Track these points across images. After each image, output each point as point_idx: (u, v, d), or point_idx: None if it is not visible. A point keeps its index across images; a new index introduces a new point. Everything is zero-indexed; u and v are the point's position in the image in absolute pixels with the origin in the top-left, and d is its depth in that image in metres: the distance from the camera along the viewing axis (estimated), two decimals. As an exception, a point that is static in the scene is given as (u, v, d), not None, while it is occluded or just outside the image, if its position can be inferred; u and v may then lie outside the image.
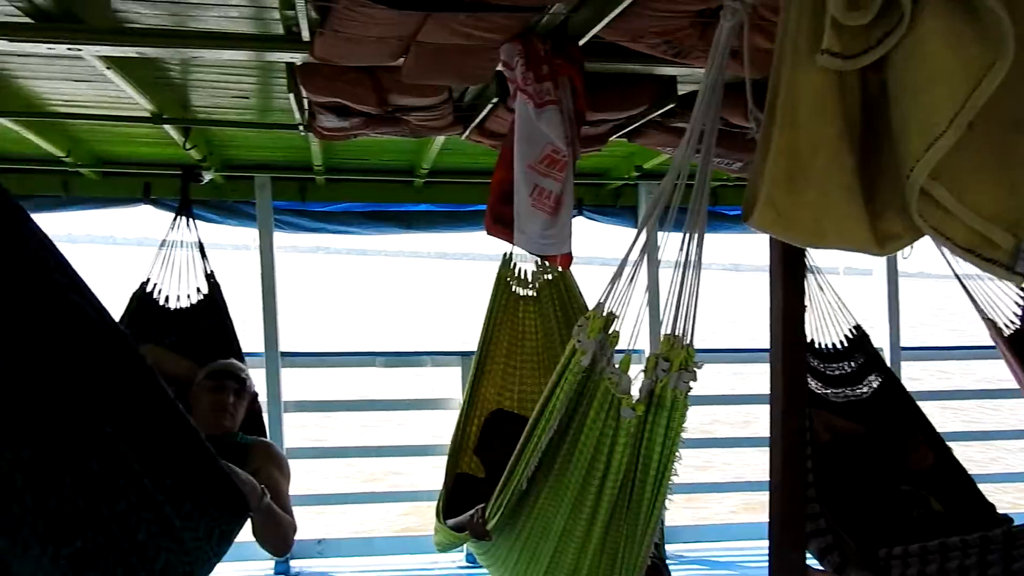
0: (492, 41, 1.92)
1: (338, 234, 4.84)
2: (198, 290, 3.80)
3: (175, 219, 3.88)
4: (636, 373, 1.83)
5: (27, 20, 1.81)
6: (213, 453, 2.17)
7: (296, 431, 5.03)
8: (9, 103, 2.97)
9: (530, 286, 3.72)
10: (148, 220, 4.51)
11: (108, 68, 2.30)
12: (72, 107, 3.09)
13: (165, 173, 4.19)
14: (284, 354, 4.54)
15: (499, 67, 2.03)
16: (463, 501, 3.09)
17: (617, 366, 1.81)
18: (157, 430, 1.96)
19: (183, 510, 2.06)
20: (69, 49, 1.87)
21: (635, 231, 1.73)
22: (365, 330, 22.16)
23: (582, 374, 1.84)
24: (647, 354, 1.78)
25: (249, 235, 4.54)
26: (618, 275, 1.78)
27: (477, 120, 2.76)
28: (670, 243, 1.77)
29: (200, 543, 2.15)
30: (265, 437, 3.50)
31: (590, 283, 3.63)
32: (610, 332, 1.82)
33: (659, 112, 2.68)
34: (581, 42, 2.03)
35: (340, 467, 7.79)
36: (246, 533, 2.46)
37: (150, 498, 1.94)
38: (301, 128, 2.98)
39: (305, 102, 2.64)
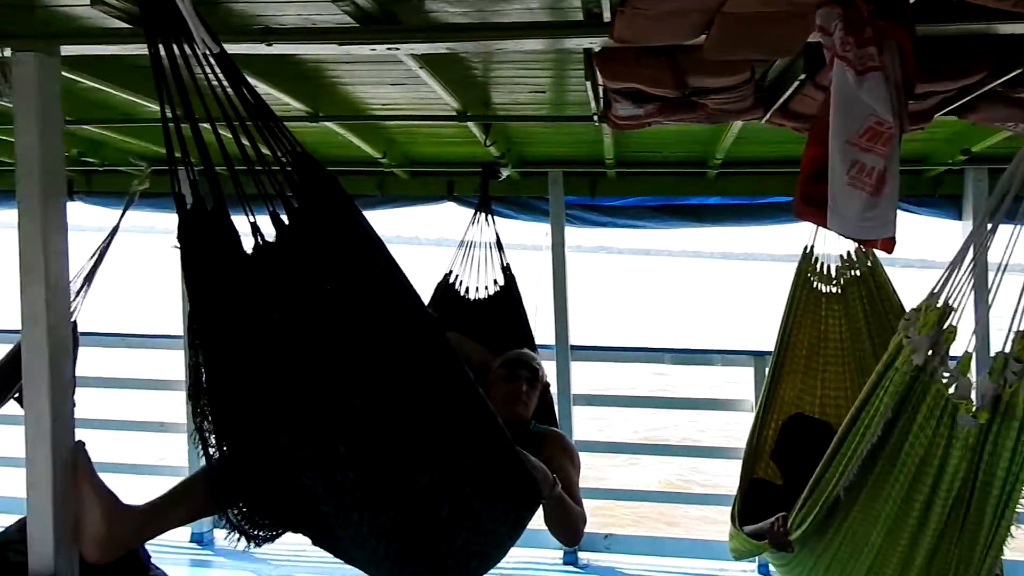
0: (806, 7, 1.76)
1: (627, 228, 4.80)
2: (495, 282, 3.97)
3: (475, 214, 4.08)
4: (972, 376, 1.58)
5: (353, 24, 1.96)
6: (510, 438, 2.20)
7: (582, 424, 5.08)
8: (336, 108, 3.28)
9: (834, 282, 3.43)
10: (448, 220, 4.79)
11: (421, 68, 2.44)
12: (389, 110, 3.35)
13: (466, 171, 4.42)
14: (574, 347, 4.61)
15: (813, 36, 1.85)
16: (759, 507, 2.93)
17: (954, 366, 1.57)
18: (460, 411, 2.02)
19: (482, 491, 2.10)
20: (388, 49, 2.00)
21: (960, 224, 1.50)
22: (650, 328, 22.15)
23: (910, 374, 1.62)
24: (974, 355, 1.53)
25: (538, 233, 4.67)
26: (957, 263, 1.55)
27: (781, 100, 2.57)
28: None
29: (496, 525, 2.19)
30: (556, 427, 3.55)
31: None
32: (945, 327, 1.59)
33: (1000, 81, 2.32)
34: None
35: (622, 464, 7.79)
36: (538, 520, 2.49)
37: (452, 476, 2.01)
38: (596, 118, 2.97)
39: (600, 90, 2.62)
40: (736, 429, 3.77)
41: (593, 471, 5.85)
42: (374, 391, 1.83)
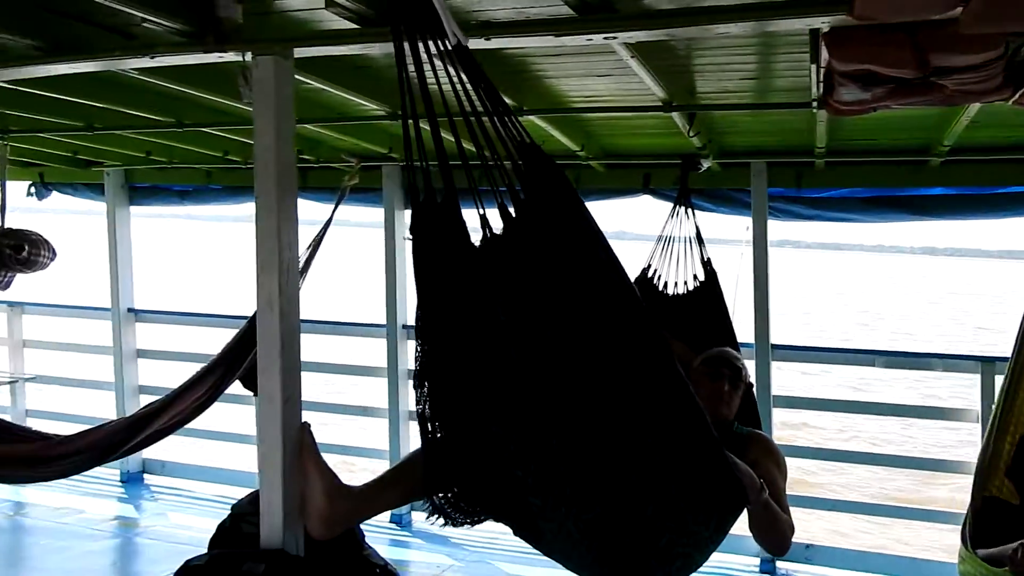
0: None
1: (835, 222, 4.53)
2: (695, 277, 3.85)
3: (674, 207, 3.98)
4: None
5: (572, 14, 1.94)
6: (718, 439, 2.12)
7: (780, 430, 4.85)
8: (539, 102, 3.29)
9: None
10: (648, 215, 4.71)
11: (632, 57, 2.38)
12: (591, 102, 3.32)
13: (663, 163, 4.33)
14: (775, 347, 4.40)
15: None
16: (994, 529, 2.65)
17: None
18: (671, 409, 1.96)
19: (688, 492, 2.04)
20: (605, 39, 1.96)
21: None
22: (846, 329, 20.92)
23: None
24: None
25: (737, 228, 4.49)
26: None
27: (1038, 78, 2.30)
28: None
29: (700, 528, 2.12)
30: (759, 429, 3.40)
31: None
32: None
33: None
34: None
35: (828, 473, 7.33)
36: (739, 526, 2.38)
37: (660, 475, 1.95)
38: (814, 104, 2.80)
39: (822, 73, 2.46)
40: (944, 439, 3.45)
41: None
42: (590, 386, 1.80)
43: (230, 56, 2.26)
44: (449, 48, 1.36)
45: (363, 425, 6.63)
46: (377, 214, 5.18)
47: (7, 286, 4.68)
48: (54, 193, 5.75)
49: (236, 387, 3.93)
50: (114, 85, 3.19)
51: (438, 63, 1.46)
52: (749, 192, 4.33)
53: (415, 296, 1.59)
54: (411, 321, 5.31)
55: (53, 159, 5.23)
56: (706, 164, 4.03)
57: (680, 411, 1.99)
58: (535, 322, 1.60)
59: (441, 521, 2.11)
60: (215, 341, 4.01)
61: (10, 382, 6.18)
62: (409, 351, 5.33)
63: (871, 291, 36.95)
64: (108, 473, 5.73)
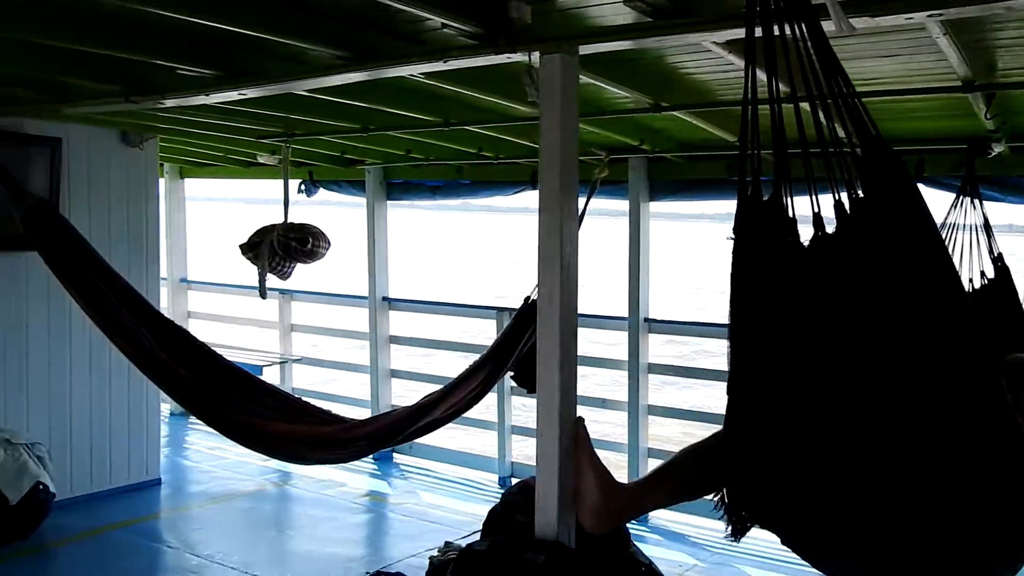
0: None
1: None
2: (982, 274, 3.48)
3: (958, 197, 3.62)
4: None
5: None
6: None
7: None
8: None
9: None
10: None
11: (944, 34, 2.17)
12: (874, 85, 3.08)
13: (938, 148, 3.95)
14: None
15: None
16: None
17: None
18: (989, 429, 1.76)
19: (993, 525, 1.81)
20: (929, 16, 1.79)
21: None
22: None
23: None
24: None
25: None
26: None
27: None
28: None
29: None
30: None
31: None
32: None
33: None
34: None
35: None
36: None
37: (965, 504, 1.75)
38: None
39: None
40: None
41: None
42: (907, 397, 1.65)
43: (518, 56, 2.30)
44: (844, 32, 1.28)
45: (598, 418, 6.66)
46: (621, 205, 5.16)
47: (289, 275, 5.14)
48: (320, 189, 6.24)
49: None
50: (389, 88, 3.35)
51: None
52: (1045, 179, 3.86)
53: (729, 298, 1.52)
54: (653, 314, 5.25)
55: (323, 159, 5.67)
56: (998, 148, 3.63)
57: (998, 432, 1.79)
58: (859, 333, 1.48)
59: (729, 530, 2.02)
60: (461, 329, 4.16)
61: (281, 362, 6.81)
62: (650, 344, 5.28)
63: None
64: (487, 478, 5.95)
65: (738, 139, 1.41)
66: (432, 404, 3.45)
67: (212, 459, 6.06)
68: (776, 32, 1.28)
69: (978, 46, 2.60)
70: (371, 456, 6.16)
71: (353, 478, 5.81)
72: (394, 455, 6.26)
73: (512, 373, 3.86)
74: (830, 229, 1.44)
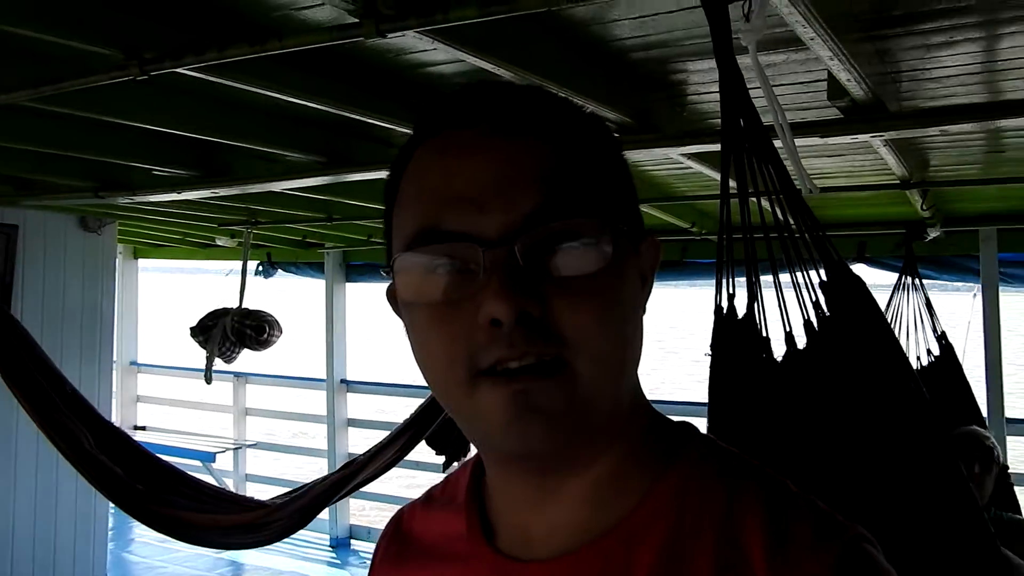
0: None
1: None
2: (928, 352, 3.67)
3: (900, 277, 3.83)
4: None
5: (838, 116, 1.95)
6: (992, 533, 2.00)
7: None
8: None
9: None
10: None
11: (885, 144, 2.35)
12: (819, 180, 3.27)
13: (880, 233, 4.19)
14: (1010, 421, 4.10)
15: None
16: None
17: None
18: (947, 506, 1.88)
19: None
20: (873, 136, 1.96)
21: None
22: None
23: None
24: None
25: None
26: None
27: None
28: None
29: None
30: (1020, 515, 3.17)
31: None
32: None
33: None
34: None
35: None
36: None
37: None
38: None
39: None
40: None
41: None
42: (876, 489, 1.76)
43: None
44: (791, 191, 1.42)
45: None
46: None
47: (234, 359, 5.13)
48: (278, 271, 6.25)
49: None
50: (354, 181, 3.45)
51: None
52: (976, 258, 4.10)
53: (708, 407, 1.61)
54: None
55: (282, 241, 5.70)
56: (933, 233, 3.86)
57: (957, 508, 1.91)
58: (829, 436, 1.58)
59: None
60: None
61: (235, 448, 6.69)
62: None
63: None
64: (317, 538, 6.04)
65: (715, 259, 1.53)
66: (351, 476, 3.55)
67: (161, 552, 5.86)
68: (749, 177, 1.41)
69: (912, 148, 2.80)
70: (329, 544, 6.08)
71: (311, 568, 5.70)
72: (352, 542, 6.17)
73: (428, 440, 3.91)
74: (800, 345, 1.56)
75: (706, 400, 1.59)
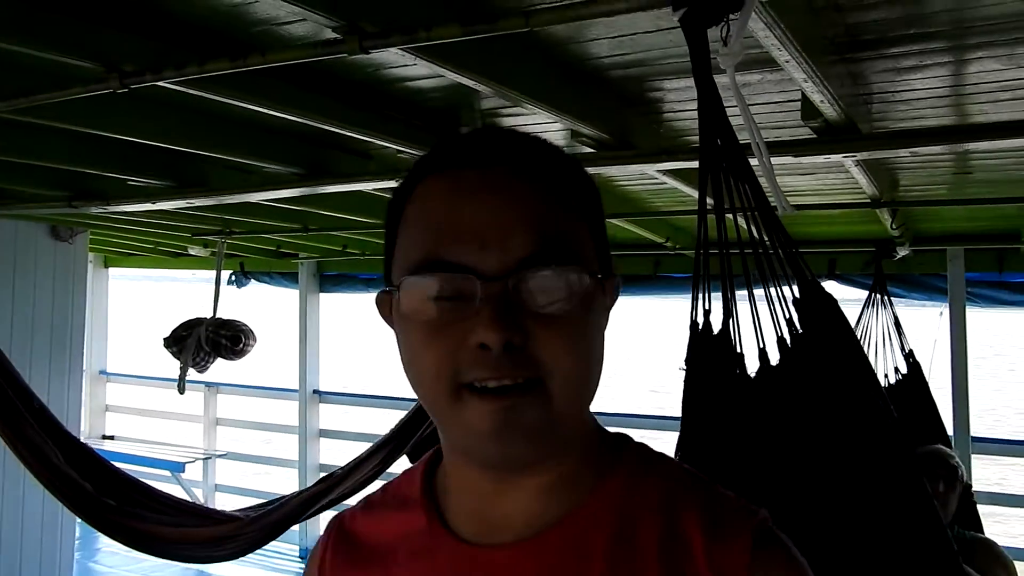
0: None
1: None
2: (896, 369, 3.72)
3: (870, 295, 3.89)
4: None
5: (811, 136, 1.99)
6: (956, 551, 2.04)
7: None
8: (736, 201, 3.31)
9: None
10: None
11: (856, 164, 2.40)
12: (792, 197, 3.32)
13: (850, 250, 4.25)
14: (975, 439, 4.17)
15: None
16: None
17: None
18: (910, 523, 1.91)
19: None
20: (845, 156, 2.00)
21: None
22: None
23: None
24: None
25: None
26: None
27: None
28: None
29: None
30: (982, 533, 3.22)
31: None
32: None
33: None
34: None
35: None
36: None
37: None
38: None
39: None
40: None
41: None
42: (844, 504, 1.79)
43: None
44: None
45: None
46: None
47: (207, 369, 5.08)
48: (252, 281, 6.21)
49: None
50: (330, 193, 3.44)
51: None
52: (944, 277, 4.18)
53: (680, 422, 1.63)
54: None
55: (256, 251, 5.67)
56: (903, 252, 3.93)
57: (922, 526, 1.94)
58: (801, 451, 1.60)
59: None
60: (394, 421, 4.16)
61: (204, 458, 6.62)
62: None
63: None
64: (287, 548, 6.00)
65: (691, 275, 1.55)
66: (326, 491, 3.52)
67: (128, 562, 5.76)
68: (725, 195, 1.43)
69: (882, 168, 2.86)
70: (298, 555, 6.02)
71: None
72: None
73: (409, 454, 3.88)
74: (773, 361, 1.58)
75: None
